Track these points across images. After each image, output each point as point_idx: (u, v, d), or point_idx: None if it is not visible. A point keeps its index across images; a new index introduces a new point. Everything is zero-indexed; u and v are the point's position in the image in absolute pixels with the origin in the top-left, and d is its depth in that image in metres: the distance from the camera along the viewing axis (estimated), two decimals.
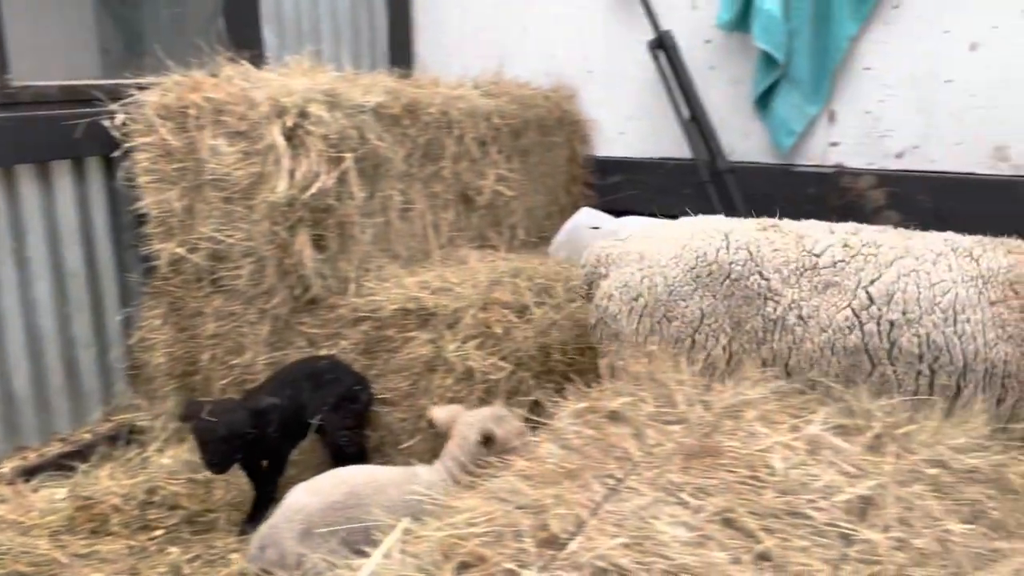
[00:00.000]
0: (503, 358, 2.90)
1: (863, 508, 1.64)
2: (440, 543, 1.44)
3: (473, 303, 3.00)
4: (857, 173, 3.84)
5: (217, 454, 2.50)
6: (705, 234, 2.54)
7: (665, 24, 4.10)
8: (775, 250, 2.43)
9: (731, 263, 2.45)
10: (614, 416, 1.97)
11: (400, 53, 4.81)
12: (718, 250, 2.48)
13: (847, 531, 1.55)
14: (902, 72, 3.70)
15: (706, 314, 2.46)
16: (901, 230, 2.53)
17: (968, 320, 2.22)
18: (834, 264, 2.37)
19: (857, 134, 3.87)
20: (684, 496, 1.66)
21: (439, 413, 2.51)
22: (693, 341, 2.47)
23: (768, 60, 3.84)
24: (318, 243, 3.00)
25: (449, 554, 1.44)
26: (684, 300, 2.48)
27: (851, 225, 2.56)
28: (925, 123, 3.69)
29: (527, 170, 4.11)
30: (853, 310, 2.30)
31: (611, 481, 1.73)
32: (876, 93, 3.78)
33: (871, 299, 2.29)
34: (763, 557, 1.47)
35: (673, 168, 4.29)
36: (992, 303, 2.22)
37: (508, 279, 3.18)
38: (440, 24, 4.85)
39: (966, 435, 1.82)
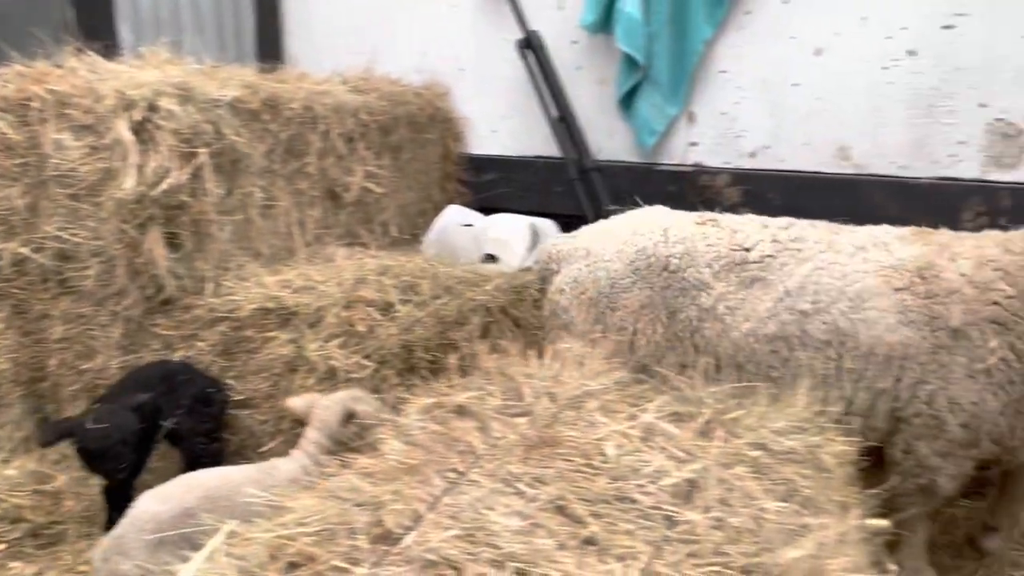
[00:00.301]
0: (366, 356, 2.89)
1: (689, 491, 1.72)
2: (267, 544, 1.43)
3: (336, 301, 2.97)
4: (714, 172, 4.02)
5: (120, 458, 2.43)
6: (646, 229, 2.69)
7: (533, 24, 4.17)
8: (709, 245, 2.59)
9: (668, 256, 2.60)
10: (461, 411, 2.00)
11: (268, 48, 4.71)
12: (656, 244, 2.63)
13: (671, 513, 1.62)
14: (754, 76, 3.89)
15: (645, 305, 2.60)
16: (834, 225, 2.67)
17: (873, 307, 2.37)
18: (761, 259, 2.53)
19: (714, 134, 4.04)
20: (521, 486, 1.70)
21: (296, 402, 2.50)
22: (634, 330, 2.62)
23: (630, 62, 3.97)
24: (172, 241, 2.91)
25: (277, 555, 1.42)
26: (625, 292, 2.63)
27: (785, 220, 2.69)
28: (775, 125, 3.89)
29: (399, 167, 4.09)
30: (773, 301, 2.46)
31: (452, 475, 1.75)
32: (731, 95, 3.96)
33: (788, 291, 2.45)
34: (589, 542, 1.52)
35: (544, 166, 4.37)
36: (896, 290, 2.37)
37: (374, 277, 3.16)
38: (310, 19, 4.78)
39: (786, 419, 1.94)
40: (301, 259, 3.41)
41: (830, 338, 2.39)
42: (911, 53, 3.58)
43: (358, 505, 1.63)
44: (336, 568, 1.43)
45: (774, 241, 2.56)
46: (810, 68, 3.78)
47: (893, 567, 1.68)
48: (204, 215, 2.95)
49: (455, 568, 1.41)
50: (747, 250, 2.56)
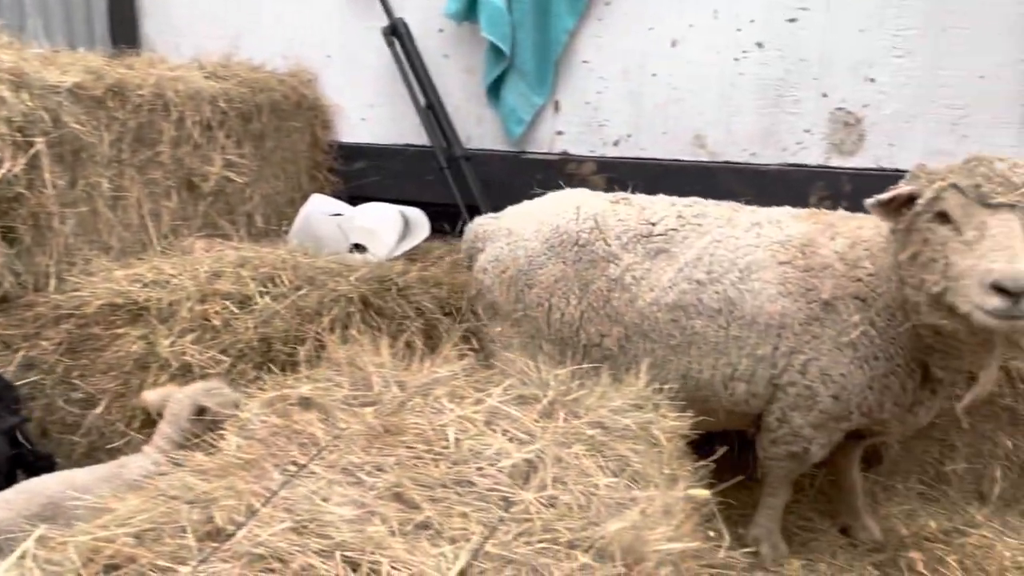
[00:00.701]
0: (223, 351, 2.81)
1: (528, 472, 1.76)
2: (83, 547, 1.39)
3: (191, 295, 2.88)
4: (580, 160, 4.11)
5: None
6: (561, 208, 2.84)
7: (399, 11, 4.14)
8: (619, 220, 2.73)
9: (579, 231, 2.74)
10: (306, 403, 1.98)
11: (123, 31, 4.50)
12: (569, 221, 2.77)
13: (507, 494, 1.66)
14: (615, 66, 3.99)
15: (559, 279, 2.73)
16: (737, 205, 2.82)
17: (759, 278, 2.50)
18: (666, 232, 2.66)
19: (579, 123, 4.13)
20: (362, 475, 1.70)
21: (151, 396, 2.44)
22: (550, 304, 2.75)
23: (496, 50, 4.00)
24: (7, 236, 2.75)
25: (94, 557, 1.38)
26: (541, 268, 2.76)
27: (692, 200, 2.83)
28: (636, 114, 4.01)
29: (262, 156, 3.99)
30: (674, 271, 2.59)
31: (292, 468, 1.74)
32: (594, 85, 4.05)
33: (687, 262, 2.58)
34: (423, 526, 1.55)
35: (414, 155, 4.36)
36: (781, 263, 2.50)
37: (232, 269, 3.08)
38: (169, 2, 4.59)
39: (624, 398, 2.02)
40: (155, 252, 3.28)
41: (721, 307, 2.52)
42: (759, 45, 3.76)
43: (189, 503, 1.60)
44: (159, 568, 1.40)
45: (679, 217, 2.71)
46: (667, 59, 3.91)
47: (717, 531, 1.78)
48: (43, 207, 2.80)
49: (282, 561, 1.41)
50: (653, 224, 2.70)
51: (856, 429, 2.59)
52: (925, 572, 2.71)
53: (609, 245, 2.69)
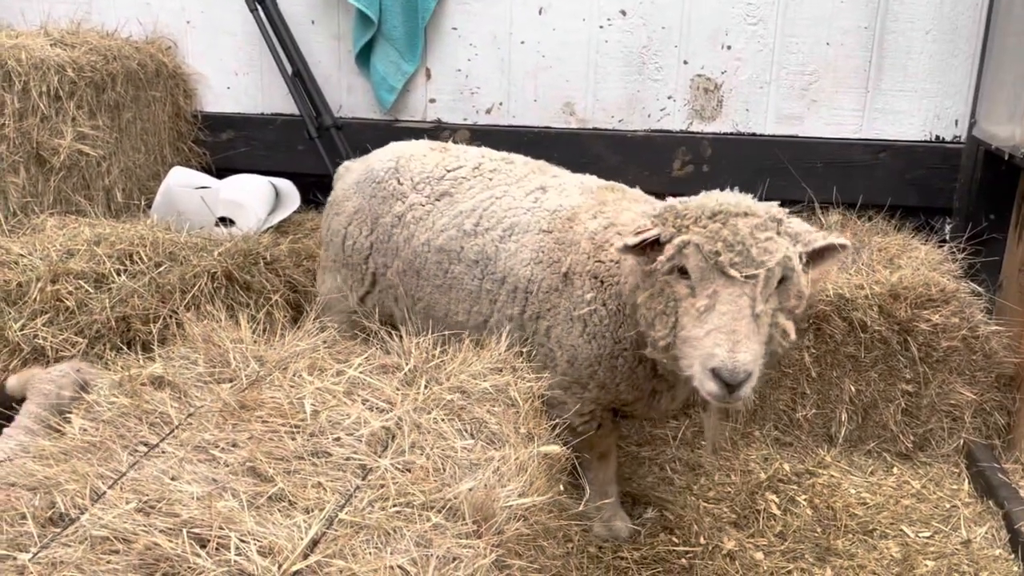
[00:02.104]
0: (78, 332, 2.71)
1: (386, 439, 1.79)
2: None
3: (41, 275, 2.75)
4: (454, 128, 4.11)
5: None
6: (384, 151, 3.02)
7: None
8: (422, 164, 2.85)
9: (378, 170, 2.89)
10: (159, 382, 1.94)
11: None
12: (378, 160, 2.94)
13: (364, 462, 1.69)
14: (484, 33, 3.99)
15: (356, 211, 2.89)
16: (546, 166, 2.85)
17: (517, 241, 2.53)
18: (456, 180, 2.75)
19: (452, 91, 4.12)
20: (215, 452, 1.69)
21: (13, 381, 2.31)
22: (346, 232, 2.91)
23: (364, 17, 3.93)
24: None
25: None
26: (347, 200, 2.94)
27: (513, 156, 2.90)
28: (507, 81, 4.04)
29: (120, 128, 3.81)
30: (449, 217, 2.66)
31: (142, 448, 1.71)
32: (464, 52, 4.05)
33: (463, 211, 2.65)
34: (277, 499, 1.55)
35: (283, 124, 4.26)
36: (542, 231, 2.52)
37: (86, 247, 2.96)
38: None
39: (482, 362, 2.06)
40: (3, 231, 3.10)
41: (478, 259, 2.58)
42: (623, 13, 3.84)
43: (30, 490, 1.55)
44: None
45: (475, 168, 2.79)
46: (534, 27, 3.94)
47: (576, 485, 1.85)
48: None
49: (126, 541, 1.39)
50: (449, 170, 2.79)
51: (613, 407, 2.60)
52: (778, 512, 2.92)
53: (401, 184, 2.82)
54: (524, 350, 2.17)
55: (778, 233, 1.98)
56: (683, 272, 2.00)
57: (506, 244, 2.54)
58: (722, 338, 1.88)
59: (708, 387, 1.92)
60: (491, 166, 2.79)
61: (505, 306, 2.51)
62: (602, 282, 2.36)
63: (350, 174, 3.06)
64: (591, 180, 2.72)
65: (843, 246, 2.06)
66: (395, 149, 3.00)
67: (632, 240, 2.04)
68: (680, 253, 1.98)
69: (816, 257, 2.06)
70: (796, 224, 2.06)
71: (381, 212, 2.83)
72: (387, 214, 2.80)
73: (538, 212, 2.56)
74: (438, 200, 2.73)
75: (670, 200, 2.16)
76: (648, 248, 2.06)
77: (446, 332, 2.40)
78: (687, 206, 2.06)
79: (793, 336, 2.03)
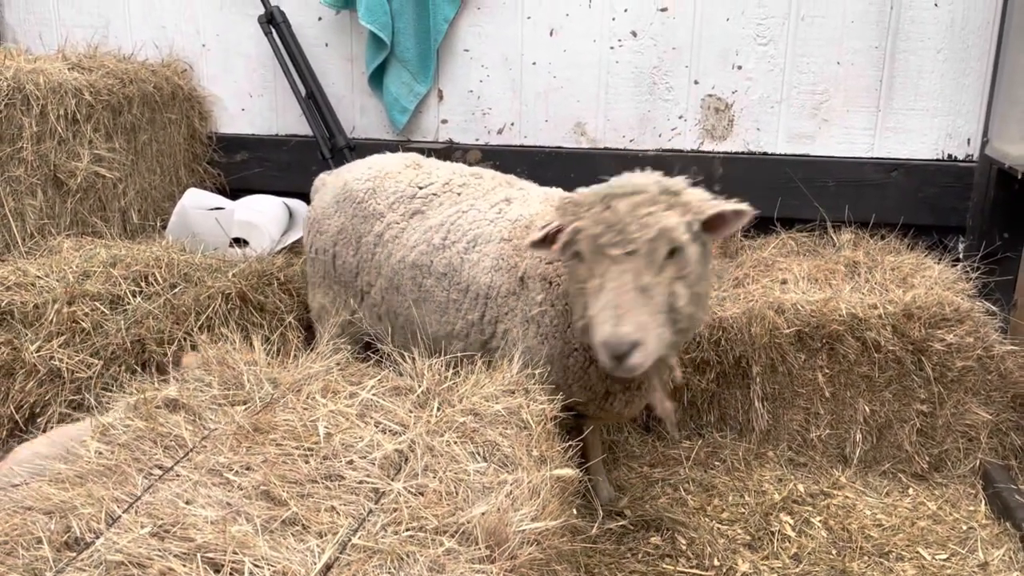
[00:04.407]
0: (94, 354, 2.74)
1: (399, 462, 1.79)
2: None
3: (58, 297, 2.78)
4: (466, 148, 4.14)
5: None
6: (357, 167, 3.05)
7: (275, 0, 4.06)
8: (396, 182, 2.89)
9: (357, 190, 2.93)
10: (173, 404, 1.95)
11: None
12: (355, 179, 2.97)
13: (377, 486, 1.69)
14: (496, 55, 4.03)
15: (340, 230, 2.93)
16: (513, 179, 2.89)
17: (480, 251, 2.58)
18: (427, 196, 2.80)
19: (464, 112, 4.15)
20: (229, 475, 1.70)
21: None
22: (334, 252, 2.96)
23: (376, 39, 3.97)
24: None
25: None
26: (329, 219, 2.98)
27: (480, 171, 2.94)
28: (519, 102, 4.07)
29: (136, 149, 3.86)
30: (421, 233, 2.71)
31: (157, 471, 1.72)
32: (476, 74, 4.08)
33: (432, 226, 2.70)
34: (290, 523, 1.56)
35: (297, 145, 4.30)
36: (503, 240, 2.57)
37: (102, 269, 2.99)
38: None
39: (495, 384, 2.07)
40: (21, 253, 3.14)
41: (446, 271, 2.62)
42: (633, 34, 3.86)
43: (46, 513, 1.56)
44: None
45: (445, 184, 2.83)
46: (546, 48, 3.97)
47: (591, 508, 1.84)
48: None
49: (141, 566, 1.40)
50: (420, 188, 2.83)
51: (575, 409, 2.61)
52: (792, 534, 2.89)
53: (379, 204, 2.86)
54: (481, 356, 2.18)
55: (670, 206, 2.03)
56: (580, 257, 2.10)
57: (470, 255, 2.60)
58: (608, 314, 1.98)
59: (602, 359, 2.01)
60: (460, 181, 2.84)
61: (467, 313, 2.57)
62: (550, 283, 2.43)
63: (326, 189, 3.09)
64: (556, 192, 2.74)
65: (737, 212, 2.10)
66: (370, 166, 3.03)
67: (536, 235, 2.16)
68: (573, 240, 2.08)
69: (713, 225, 2.10)
70: (693, 194, 2.11)
71: (363, 231, 2.87)
72: (368, 233, 2.86)
73: (500, 223, 2.61)
74: (411, 218, 2.79)
75: (578, 190, 2.21)
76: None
77: (421, 344, 2.53)
78: (584, 194, 2.13)
79: (683, 302, 2.06)
